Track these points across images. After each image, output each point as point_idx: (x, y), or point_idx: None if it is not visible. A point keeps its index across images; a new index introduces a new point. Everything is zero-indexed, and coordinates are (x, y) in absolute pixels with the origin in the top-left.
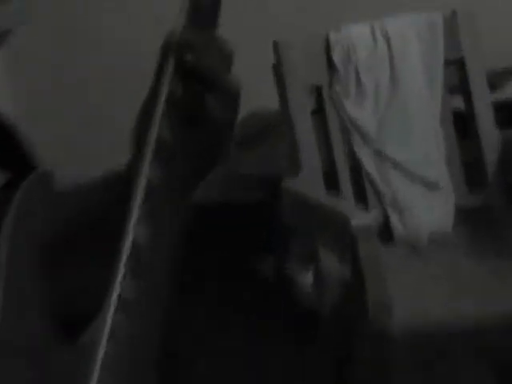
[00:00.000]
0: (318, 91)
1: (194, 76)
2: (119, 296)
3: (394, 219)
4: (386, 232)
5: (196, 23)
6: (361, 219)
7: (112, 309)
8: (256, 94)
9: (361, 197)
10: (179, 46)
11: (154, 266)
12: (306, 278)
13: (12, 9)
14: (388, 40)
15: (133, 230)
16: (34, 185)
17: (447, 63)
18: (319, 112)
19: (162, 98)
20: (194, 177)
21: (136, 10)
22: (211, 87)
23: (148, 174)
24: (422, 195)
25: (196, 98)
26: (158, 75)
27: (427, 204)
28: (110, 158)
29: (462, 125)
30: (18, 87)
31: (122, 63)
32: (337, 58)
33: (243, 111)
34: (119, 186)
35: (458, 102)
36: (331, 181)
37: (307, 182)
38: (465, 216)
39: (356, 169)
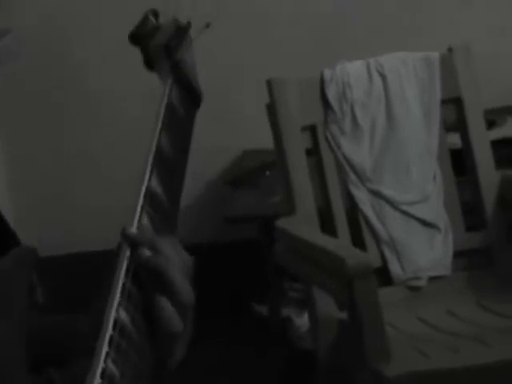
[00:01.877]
0: (312, 130)
1: (149, 273)
2: (103, 372)
3: (392, 261)
4: (384, 274)
5: (155, 225)
6: (357, 259)
7: None
8: (250, 133)
9: (357, 239)
10: (136, 241)
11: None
12: (302, 320)
13: (4, 44)
14: (384, 78)
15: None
16: (15, 261)
17: (444, 101)
18: (314, 151)
19: (117, 291)
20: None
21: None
22: (164, 291)
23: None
24: (420, 236)
25: (149, 298)
26: (113, 268)
27: (426, 246)
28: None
29: (460, 162)
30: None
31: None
32: (332, 95)
33: (237, 150)
34: None
35: (455, 139)
36: (327, 222)
37: (302, 223)
38: (464, 258)
39: (352, 210)
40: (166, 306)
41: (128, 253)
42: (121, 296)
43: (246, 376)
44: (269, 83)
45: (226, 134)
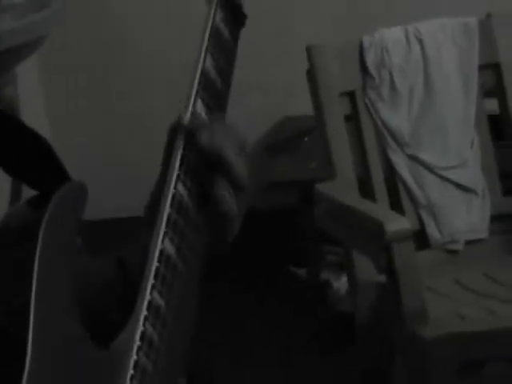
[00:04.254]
0: (351, 96)
1: (205, 156)
2: (149, 303)
3: (430, 225)
4: (421, 238)
5: (208, 107)
6: (396, 223)
7: (142, 317)
8: (287, 102)
9: (396, 203)
10: (192, 126)
11: (183, 275)
12: (341, 283)
13: (50, 13)
14: (422, 44)
15: (161, 242)
16: (67, 195)
17: (482, 67)
18: (353, 117)
19: (174, 173)
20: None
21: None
22: (222, 173)
23: (161, 248)
24: (458, 200)
25: (206, 181)
26: (168, 153)
27: (463, 210)
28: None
29: (497, 129)
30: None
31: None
32: (370, 62)
33: (277, 117)
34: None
35: (493, 106)
36: (365, 186)
37: (341, 188)
38: (501, 222)
39: (390, 174)
40: (223, 189)
41: (182, 142)
42: (171, 206)
43: (285, 336)
44: (308, 49)
45: (266, 100)
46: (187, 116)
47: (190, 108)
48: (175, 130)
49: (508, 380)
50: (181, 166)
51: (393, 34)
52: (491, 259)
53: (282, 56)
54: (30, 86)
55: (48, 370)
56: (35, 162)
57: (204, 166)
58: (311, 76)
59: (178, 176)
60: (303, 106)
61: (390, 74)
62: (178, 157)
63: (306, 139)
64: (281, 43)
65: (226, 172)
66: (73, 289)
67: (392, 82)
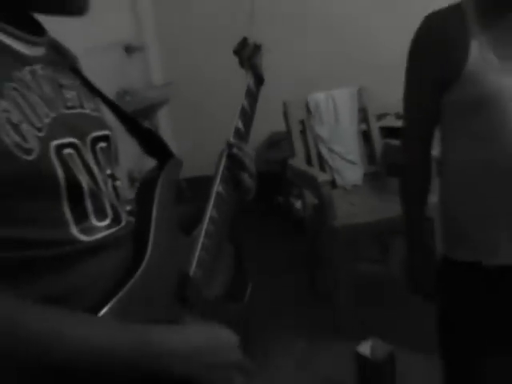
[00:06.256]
0: (302, 122)
1: (238, 161)
2: (210, 217)
3: (337, 177)
4: (333, 183)
5: (240, 136)
6: (322, 177)
7: (205, 226)
8: (274, 125)
9: (322, 168)
10: (231, 145)
11: (226, 214)
12: (299, 204)
13: (170, 89)
14: (334, 100)
15: (210, 212)
16: (172, 166)
17: (359, 109)
18: (303, 131)
19: (220, 171)
20: (231, 217)
21: None
22: (246, 169)
23: (210, 214)
24: (349, 168)
25: (237, 173)
26: (219, 160)
27: (351, 171)
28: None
29: (364, 137)
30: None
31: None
32: (311, 107)
33: (269, 131)
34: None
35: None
36: (309, 161)
37: (299, 162)
38: (368, 176)
39: (320, 156)
40: (245, 177)
41: (227, 151)
42: (220, 181)
43: (268, 230)
44: (284, 103)
45: (265, 126)
46: (231, 139)
47: (233, 134)
48: (222, 152)
49: (376, 247)
50: (223, 170)
51: (321, 95)
52: (365, 194)
53: (267, 107)
54: (164, 123)
55: (160, 246)
56: (158, 148)
57: (236, 166)
58: (285, 113)
59: (221, 177)
60: (281, 127)
61: (320, 113)
62: (222, 164)
63: (282, 141)
64: (268, 99)
65: (246, 169)
66: (174, 212)
67: (321, 117)
